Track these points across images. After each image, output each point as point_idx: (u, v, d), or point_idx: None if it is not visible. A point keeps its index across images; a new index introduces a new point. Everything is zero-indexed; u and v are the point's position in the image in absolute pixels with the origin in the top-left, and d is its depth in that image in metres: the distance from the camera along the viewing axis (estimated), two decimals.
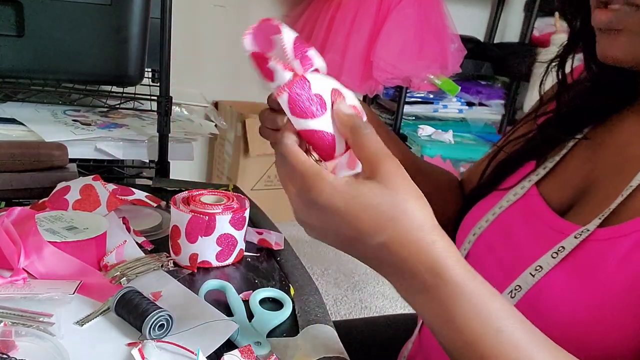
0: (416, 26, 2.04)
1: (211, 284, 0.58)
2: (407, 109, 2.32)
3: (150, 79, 1.28)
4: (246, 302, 0.57)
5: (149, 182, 0.90)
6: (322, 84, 0.40)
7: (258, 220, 0.78)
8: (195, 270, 0.63)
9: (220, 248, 0.63)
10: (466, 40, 2.23)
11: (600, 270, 0.45)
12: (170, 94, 1.00)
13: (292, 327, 0.54)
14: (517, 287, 0.49)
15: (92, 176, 0.73)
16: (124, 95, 1.11)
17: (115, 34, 0.95)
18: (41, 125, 0.95)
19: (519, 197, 0.57)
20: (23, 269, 0.55)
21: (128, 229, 0.69)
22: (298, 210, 0.40)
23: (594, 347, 0.43)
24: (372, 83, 2.05)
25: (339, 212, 0.36)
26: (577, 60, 0.58)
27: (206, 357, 0.46)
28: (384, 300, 1.88)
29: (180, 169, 2.26)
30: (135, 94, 1.12)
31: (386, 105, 2.39)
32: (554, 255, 0.48)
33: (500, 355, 0.36)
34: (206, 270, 0.64)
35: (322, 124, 0.40)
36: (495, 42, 2.60)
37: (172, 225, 0.63)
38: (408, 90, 2.24)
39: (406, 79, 2.09)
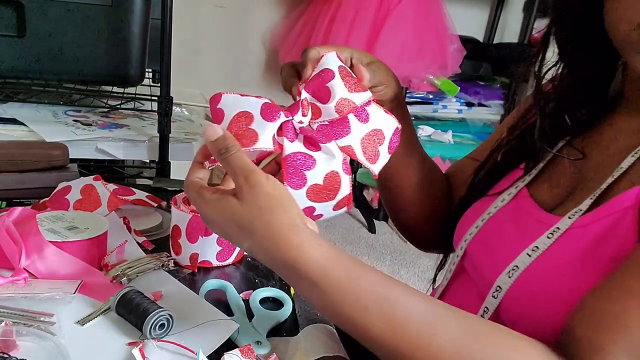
0: (416, 27, 2.04)
1: (211, 283, 0.59)
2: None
3: (150, 80, 1.28)
4: (246, 301, 0.57)
5: (150, 182, 0.90)
6: None
7: None
8: (196, 270, 0.63)
9: (220, 248, 0.64)
10: (465, 41, 2.23)
11: (579, 255, 0.46)
12: (171, 95, 1.00)
13: (292, 327, 0.54)
14: (514, 268, 0.50)
15: (93, 176, 0.73)
16: (125, 95, 1.11)
17: (116, 35, 0.95)
18: (42, 125, 0.95)
19: (507, 202, 0.57)
20: (24, 268, 0.55)
21: (129, 229, 0.69)
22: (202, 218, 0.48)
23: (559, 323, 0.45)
24: None
25: (216, 224, 0.45)
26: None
27: (206, 357, 0.46)
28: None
29: (181, 169, 2.26)
30: (135, 94, 1.12)
31: None
32: (550, 235, 0.49)
33: (369, 326, 0.42)
34: (206, 270, 0.64)
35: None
36: (494, 42, 2.60)
37: (173, 225, 0.63)
38: (408, 91, 2.25)
39: (406, 79, 2.09)
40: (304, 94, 0.49)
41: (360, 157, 0.49)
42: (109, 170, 1.07)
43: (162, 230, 0.72)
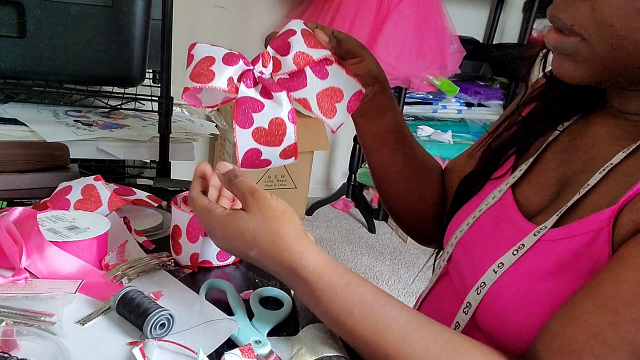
0: (415, 27, 2.04)
1: (212, 283, 0.59)
2: (407, 109, 2.33)
3: (151, 80, 1.29)
4: (247, 301, 0.57)
5: (150, 182, 0.90)
6: None
7: None
8: (196, 270, 0.63)
9: None
10: (465, 41, 2.23)
11: (549, 271, 0.47)
12: (171, 95, 1.00)
13: (292, 327, 0.54)
14: (482, 284, 0.51)
15: (94, 176, 0.73)
16: (125, 95, 1.12)
17: (117, 35, 0.95)
18: (43, 125, 0.96)
19: (496, 201, 0.58)
20: (25, 268, 0.55)
21: (129, 229, 0.69)
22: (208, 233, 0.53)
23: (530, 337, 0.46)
24: None
25: (224, 236, 0.50)
26: None
27: (207, 356, 0.47)
28: None
29: (181, 169, 2.27)
30: (136, 94, 1.13)
31: None
32: (515, 252, 0.50)
33: (355, 332, 0.46)
34: (207, 269, 0.64)
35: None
36: (494, 42, 2.60)
37: (173, 225, 0.63)
38: (407, 91, 2.25)
39: (405, 79, 2.09)
40: (268, 49, 0.55)
41: (315, 110, 0.55)
42: (110, 170, 1.07)
43: (162, 230, 0.72)
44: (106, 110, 1.12)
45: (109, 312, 0.52)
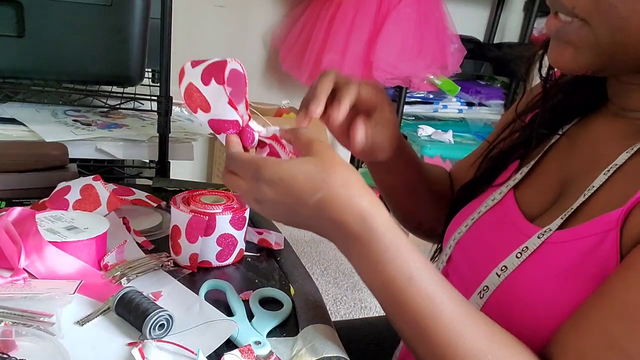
0: (416, 26, 2.04)
1: (211, 283, 0.59)
2: (407, 109, 2.33)
3: (150, 79, 1.28)
4: (246, 302, 0.57)
5: (149, 182, 0.90)
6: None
7: (258, 220, 0.78)
8: (196, 270, 0.63)
9: (220, 248, 0.63)
10: (466, 41, 2.23)
11: (557, 272, 0.46)
12: (171, 94, 1.00)
13: (292, 327, 0.54)
14: (485, 288, 0.50)
15: (93, 176, 0.73)
16: (124, 95, 1.11)
17: (116, 35, 0.95)
18: (41, 125, 0.95)
19: (496, 202, 0.57)
20: (23, 268, 0.55)
21: (128, 229, 0.69)
22: (249, 193, 0.48)
23: (544, 338, 0.46)
24: None
25: (282, 181, 0.45)
26: None
27: (206, 357, 0.46)
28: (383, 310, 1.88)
29: (181, 169, 2.26)
30: (135, 94, 1.12)
31: None
32: (518, 255, 0.49)
33: (408, 299, 0.43)
34: (206, 270, 0.64)
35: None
36: (494, 42, 2.60)
37: (173, 225, 0.63)
38: (408, 91, 2.24)
39: (406, 79, 2.09)
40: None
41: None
42: (109, 170, 1.07)
43: (161, 230, 0.72)
44: (105, 109, 1.11)
45: (108, 313, 0.51)
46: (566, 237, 0.47)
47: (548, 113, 0.59)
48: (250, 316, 0.54)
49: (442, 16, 2.12)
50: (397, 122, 0.62)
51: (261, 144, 0.55)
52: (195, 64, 0.53)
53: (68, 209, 0.68)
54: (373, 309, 1.83)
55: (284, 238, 0.73)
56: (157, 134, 1.00)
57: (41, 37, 0.92)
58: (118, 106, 1.11)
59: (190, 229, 0.61)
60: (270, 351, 0.49)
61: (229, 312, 0.54)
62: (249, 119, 0.54)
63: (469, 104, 2.45)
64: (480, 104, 2.45)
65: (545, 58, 0.55)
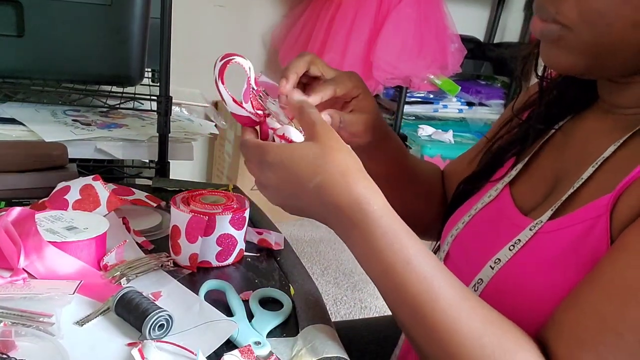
0: (416, 26, 2.04)
1: (211, 284, 0.58)
2: (407, 108, 2.32)
3: (150, 79, 1.28)
4: (246, 302, 0.57)
5: (149, 182, 0.90)
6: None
7: (258, 220, 0.78)
8: (195, 270, 0.63)
9: (220, 248, 0.63)
10: (466, 40, 2.23)
11: (550, 260, 0.47)
12: (170, 94, 1.00)
13: (292, 327, 0.54)
14: (479, 281, 0.51)
15: (92, 176, 0.73)
16: (124, 95, 1.11)
17: (116, 34, 0.95)
18: (41, 125, 0.95)
19: (493, 199, 0.58)
20: (23, 269, 0.55)
21: (128, 229, 0.69)
22: (258, 176, 0.50)
23: (539, 327, 0.46)
24: (372, 83, 2.05)
25: (283, 165, 0.47)
26: None
27: (206, 357, 0.46)
28: (383, 300, 1.88)
29: (180, 169, 2.26)
30: (135, 94, 1.12)
31: (386, 105, 2.39)
32: (511, 247, 0.50)
33: (407, 283, 0.43)
34: (206, 270, 0.64)
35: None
36: (495, 42, 2.60)
37: (172, 225, 0.63)
38: (408, 90, 2.24)
39: (406, 78, 2.09)
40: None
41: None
42: (108, 170, 1.07)
43: (161, 230, 0.72)
44: (105, 109, 1.11)
45: (108, 313, 0.51)
46: (557, 226, 0.48)
47: (544, 109, 0.60)
48: (250, 316, 0.54)
49: (442, 16, 2.12)
50: (374, 109, 0.63)
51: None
52: (222, 58, 0.57)
53: (68, 209, 0.68)
54: (373, 309, 1.83)
55: (284, 238, 0.73)
56: (157, 134, 1.00)
57: (41, 37, 0.92)
58: (118, 106, 1.11)
59: (190, 229, 0.61)
60: (270, 351, 0.49)
61: (228, 312, 0.54)
62: (265, 116, 0.56)
63: (469, 104, 2.45)
64: (480, 104, 2.45)
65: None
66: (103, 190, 0.71)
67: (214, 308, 0.54)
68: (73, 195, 0.69)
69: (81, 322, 0.50)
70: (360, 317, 1.73)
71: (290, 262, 0.68)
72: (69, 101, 1.08)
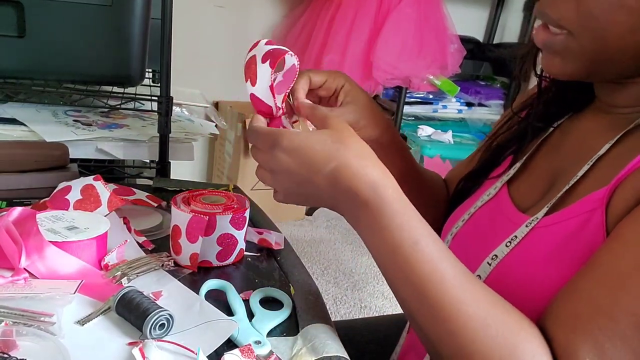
0: (416, 26, 2.04)
1: (211, 283, 0.59)
2: (407, 109, 2.33)
3: (150, 80, 1.28)
4: (246, 301, 0.57)
5: (150, 182, 0.90)
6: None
7: (258, 220, 0.79)
8: (196, 270, 0.63)
9: (220, 248, 0.64)
10: (465, 41, 2.23)
11: (546, 255, 0.48)
12: (171, 94, 1.00)
13: (292, 327, 0.54)
14: (477, 277, 0.51)
15: (93, 176, 0.73)
16: (125, 95, 1.11)
17: (116, 35, 0.95)
18: (42, 125, 0.95)
19: (491, 197, 0.59)
20: (24, 268, 0.55)
21: (129, 229, 0.69)
22: (266, 163, 0.50)
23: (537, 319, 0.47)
24: (372, 83, 2.05)
25: (299, 149, 0.47)
26: None
27: (206, 357, 0.46)
28: (383, 300, 1.88)
29: (181, 169, 2.26)
30: (135, 94, 1.12)
31: (386, 106, 2.40)
32: (508, 244, 0.51)
33: (413, 263, 0.44)
34: (206, 269, 0.64)
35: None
36: (494, 42, 2.60)
37: (173, 225, 0.63)
38: (408, 91, 2.24)
39: (406, 79, 2.09)
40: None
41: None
42: (109, 170, 1.07)
43: (162, 230, 0.72)
44: (105, 109, 1.11)
45: (109, 313, 0.51)
46: (552, 220, 0.49)
47: (542, 107, 0.61)
48: (250, 316, 0.54)
49: (442, 16, 2.12)
50: (365, 100, 0.63)
51: None
52: (269, 43, 0.57)
53: (69, 209, 0.68)
54: (373, 308, 1.83)
55: (284, 238, 0.73)
56: (158, 134, 1.01)
57: (42, 37, 0.92)
58: (118, 106, 1.11)
59: (191, 229, 0.61)
60: (271, 351, 0.49)
61: (229, 312, 0.54)
62: (283, 113, 0.57)
63: (469, 104, 2.45)
64: (479, 104, 2.46)
65: (539, 56, 0.57)
66: (104, 190, 0.71)
67: (215, 307, 0.54)
68: (74, 195, 0.70)
69: (82, 322, 0.50)
70: (360, 317, 1.73)
71: (290, 261, 0.68)
72: (70, 101, 1.09)
